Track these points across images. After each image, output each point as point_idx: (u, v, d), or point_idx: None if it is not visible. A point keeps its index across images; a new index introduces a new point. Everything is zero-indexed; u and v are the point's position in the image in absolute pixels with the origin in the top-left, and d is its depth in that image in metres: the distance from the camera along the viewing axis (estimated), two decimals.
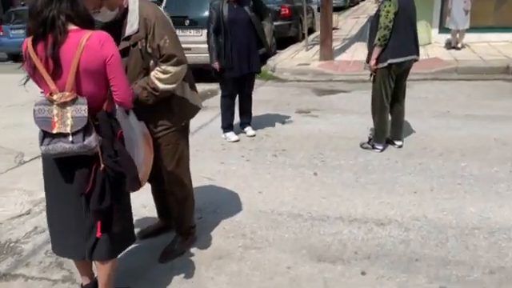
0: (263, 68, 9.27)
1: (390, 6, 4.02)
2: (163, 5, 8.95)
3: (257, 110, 6.08)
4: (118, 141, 2.11)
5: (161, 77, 2.42)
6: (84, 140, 1.97)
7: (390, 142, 4.58)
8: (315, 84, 7.99)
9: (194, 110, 2.74)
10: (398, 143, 4.53)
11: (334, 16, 15.17)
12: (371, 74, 4.29)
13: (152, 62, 2.45)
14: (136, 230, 3.19)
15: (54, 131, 1.94)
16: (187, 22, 8.12)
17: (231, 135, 5.03)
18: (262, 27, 4.97)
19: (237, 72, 4.83)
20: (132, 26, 2.40)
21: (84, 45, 1.93)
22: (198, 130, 5.47)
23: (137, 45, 2.41)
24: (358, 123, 5.31)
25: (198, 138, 5.21)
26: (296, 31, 12.75)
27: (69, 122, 1.95)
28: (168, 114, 2.58)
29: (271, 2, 13.10)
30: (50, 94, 1.96)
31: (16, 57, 13.05)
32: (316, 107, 6.31)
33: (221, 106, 5.13)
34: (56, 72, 1.96)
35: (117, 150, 2.07)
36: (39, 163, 2.29)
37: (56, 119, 1.95)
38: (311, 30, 14.00)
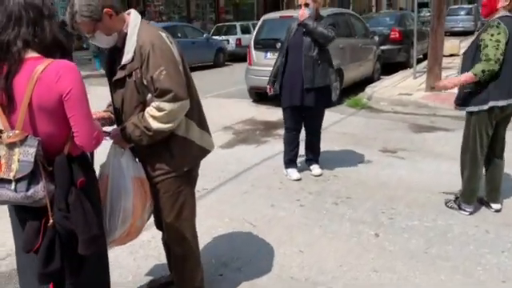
0: (359, 95, 8.72)
1: (499, 33, 3.17)
2: (256, 29, 8.78)
3: (334, 144, 5.49)
4: (78, 190, 1.75)
5: (155, 114, 2.03)
6: (28, 190, 1.65)
7: (484, 203, 3.63)
8: (414, 118, 7.04)
9: (202, 152, 2.30)
10: (495, 206, 3.56)
11: (455, 41, 13.74)
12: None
13: (150, 95, 2.08)
14: (147, 279, 2.86)
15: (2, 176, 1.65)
16: (278, 45, 7.77)
17: (292, 172, 4.49)
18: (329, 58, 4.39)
19: (286, 101, 4.36)
20: (128, 53, 2.06)
21: (37, 77, 1.62)
22: (262, 162, 5.03)
23: (132, 75, 2.06)
24: (449, 173, 4.38)
25: (258, 171, 4.77)
26: (406, 56, 11.69)
27: (14, 166, 1.64)
28: (167, 157, 2.18)
29: (382, 24, 12.29)
30: (1, 132, 1.67)
31: None
32: (405, 147, 5.45)
33: (283, 139, 4.63)
34: (9, 107, 1.67)
35: (70, 203, 1.71)
36: None
37: (3, 161, 1.65)
38: (426, 56, 12.76)
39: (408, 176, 4.46)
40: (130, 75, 2.06)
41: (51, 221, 1.71)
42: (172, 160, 2.18)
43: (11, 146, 1.64)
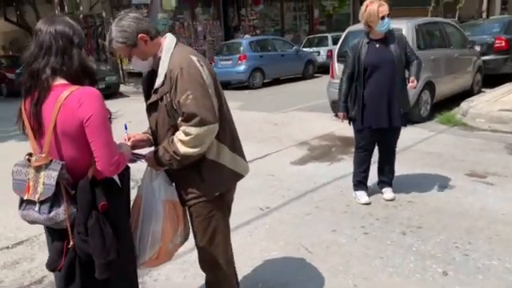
0: (454, 110, 8.00)
1: None
2: (340, 40, 8.50)
3: (415, 165, 5.10)
4: (99, 214, 1.77)
5: (182, 139, 2.01)
6: (50, 212, 1.71)
7: None
8: None
9: (234, 177, 2.23)
10: None
11: None
12: None
13: (180, 119, 2.06)
14: None
15: (25, 197, 1.73)
16: None
17: (361, 195, 4.21)
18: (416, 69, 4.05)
19: (369, 123, 4.03)
20: (159, 77, 2.07)
21: (61, 103, 1.68)
22: (332, 182, 4.81)
23: (163, 99, 2.07)
24: None
25: (326, 191, 4.56)
26: None
27: (39, 188, 1.71)
28: (197, 181, 2.14)
29: (487, 32, 11.25)
30: (30, 155, 1.76)
31: (223, 85, 14.51)
32: (497, 171, 4.84)
33: (354, 158, 4.36)
34: (38, 131, 1.75)
35: (89, 227, 1.73)
36: None
37: (31, 184, 1.73)
38: None
39: (494, 205, 3.94)
40: (161, 99, 2.07)
41: (71, 243, 1.75)
42: (202, 184, 2.14)
43: (38, 169, 1.72)
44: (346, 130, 7.27)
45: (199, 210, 2.19)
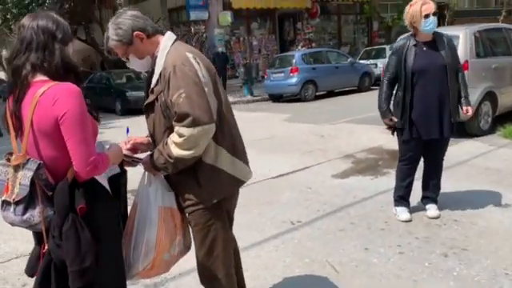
0: None
1: None
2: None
3: (468, 180, 4.70)
4: (78, 218, 1.66)
5: (176, 140, 1.87)
6: (24, 214, 1.63)
7: None
8: None
9: (234, 183, 2.05)
10: None
11: None
12: None
13: None
14: None
15: (3, 198, 1.66)
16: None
17: (402, 212, 3.85)
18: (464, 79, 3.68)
19: (423, 134, 3.66)
20: (155, 77, 1.96)
21: (37, 100, 1.61)
22: (372, 197, 4.48)
23: (158, 99, 1.95)
24: None
25: (364, 207, 4.24)
26: None
27: (16, 189, 1.64)
28: (194, 187, 1.99)
29: None
30: (10, 154, 1.70)
31: (276, 97, 14.44)
32: None
33: (396, 172, 4.01)
34: (18, 129, 1.69)
35: (63, 231, 1.63)
36: None
37: (9, 183, 1.67)
38: None
39: None
40: (157, 99, 1.95)
41: (46, 247, 1.65)
42: (199, 190, 1.98)
43: (16, 169, 1.65)
44: (395, 142, 6.87)
45: (197, 219, 2.04)
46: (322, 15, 21.35)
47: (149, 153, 2.11)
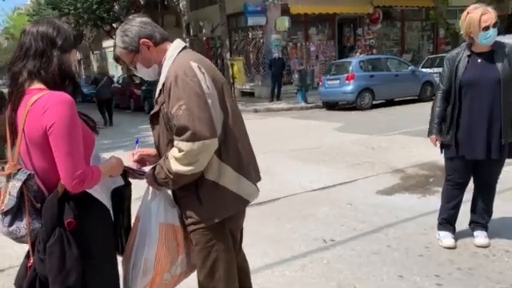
0: None
1: None
2: None
3: None
4: (65, 233, 1.60)
5: (175, 155, 1.77)
6: (11, 225, 1.59)
7: None
8: None
9: (238, 203, 1.91)
10: None
11: None
12: None
13: None
14: None
15: None
16: None
17: (445, 237, 3.50)
18: None
19: (467, 153, 3.34)
20: (158, 86, 1.87)
21: (28, 109, 1.56)
22: (416, 218, 4.15)
23: (161, 111, 1.85)
24: None
25: (405, 228, 3.93)
26: None
27: (5, 199, 1.60)
28: (195, 205, 1.87)
29: None
30: (5, 163, 1.67)
31: (331, 105, 14.11)
32: None
33: (442, 192, 3.67)
34: (13, 138, 1.66)
35: (48, 245, 1.57)
36: None
37: (2, 193, 1.64)
38: None
39: None
40: (160, 110, 1.86)
41: (31, 261, 1.60)
42: (201, 208, 1.86)
43: (8, 179, 1.62)
44: None
45: (198, 238, 1.92)
46: (385, 21, 20.64)
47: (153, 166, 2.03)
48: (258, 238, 3.92)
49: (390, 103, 14.05)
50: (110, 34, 25.28)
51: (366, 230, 3.97)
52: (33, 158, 1.62)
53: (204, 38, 21.64)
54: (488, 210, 3.52)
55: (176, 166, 1.77)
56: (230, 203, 1.89)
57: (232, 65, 16.58)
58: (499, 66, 3.21)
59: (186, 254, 2.01)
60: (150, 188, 1.98)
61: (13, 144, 1.66)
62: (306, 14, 17.88)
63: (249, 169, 1.96)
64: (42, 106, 1.55)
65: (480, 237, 3.48)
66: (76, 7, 20.21)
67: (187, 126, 1.72)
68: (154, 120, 1.94)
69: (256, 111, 14.66)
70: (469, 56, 3.30)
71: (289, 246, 3.73)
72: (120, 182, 1.94)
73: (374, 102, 13.57)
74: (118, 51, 1.93)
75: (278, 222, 4.34)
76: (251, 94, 18.50)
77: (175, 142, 1.77)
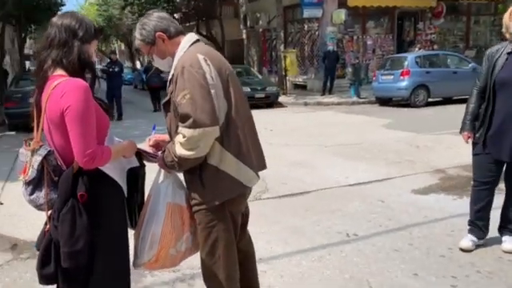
0: None
1: None
2: None
3: None
4: (77, 204, 1.80)
5: (180, 140, 1.93)
6: (32, 194, 1.82)
7: None
8: None
9: (236, 187, 2.03)
10: None
11: None
12: None
13: None
14: None
15: (20, 178, 1.87)
16: None
17: (465, 239, 3.43)
18: None
19: (494, 153, 3.25)
20: (169, 76, 2.02)
21: (49, 92, 1.77)
22: (446, 219, 4.07)
23: (171, 99, 2.01)
24: None
25: (432, 228, 3.88)
26: None
27: (29, 171, 1.83)
28: (198, 187, 2.03)
29: None
30: (31, 140, 1.90)
31: (384, 101, 13.77)
32: None
33: (470, 194, 3.58)
34: (38, 118, 1.88)
35: (61, 214, 1.77)
36: None
37: (28, 166, 1.87)
38: None
39: None
40: (170, 99, 2.02)
41: (48, 227, 1.82)
42: (203, 191, 2.01)
43: (32, 153, 1.84)
44: None
45: (200, 218, 2.07)
46: (449, 15, 19.70)
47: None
48: (282, 228, 4.04)
49: (447, 101, 13.49)
50: None
51: (391, 227, 3.96)
52: (53, 136, 1.83)
53: (260, 30, 21.79)
54: None
55: (180, 150, 1.92)
56: (230, 187, 2.02)
57: (285, 57, 16.60)
58: None
59: (192, 232, 2.16)
60: (162, 170, 2.15)
61: (38, 123, 1.88)
62: (364, 7, 17.47)
63: (249, 156, 2.07)
64: (61, 91, 1.75)
65: (507, 242, 3.37)
66: None
67: (189, 114, 1.86)
68: (166, 108, 2.10)
69: (306, 104, 14.64)
70: (509, 53, 3.19)
71: (311, 237, 3.81)
72: (135, 163, 2.13)
73: (430, 100, 13.10)
74: (137, 43, 2.11)
75: (305, 214, 4.41)
76: (304, 87, 18.45)
77: (179, 129, 1.92)
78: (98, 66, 25.06)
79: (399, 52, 17.78)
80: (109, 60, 13.92)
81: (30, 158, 1.85)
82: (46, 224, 1.90)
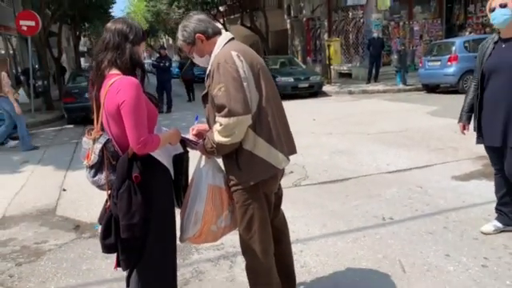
0: None
1: None
2: None
3: None
4: (132, 184, 2.09)
5: (217, 128, 2.18)
6: (95, 176, 2.13)
7: None
8: None
9: (268, 169, 2.25)
10: None
11: None
12: None
13: None
14: None
15: (84, 163, 2.20)
16: None
17: (491, 224, 3.50)
18: None
19: (487, 140, 3.36)
20: (207, 72, 2.27)
21: (107, 90, 2.07)
22: (482, 204, 4.11)
23: (209, 92, 2.27)
24: None
25: (469, 213, 3.95)
26: None
27: (92, 156, 2.15)
28: (235, 170, 2.27)
29: None
30: (92, 130, 2.21)
31: (431, 88, 13.46)
32: None
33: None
34: (98, 111, 2.19)
35: (119, 192, 2.08)
36: None
37: (90, 152, 2.19)
38: None
39: None
40: (208, 91, 2.27)
41: (108, 203, 2.14)
42: (239, 172, 2.25)
43: (94, 141, 2.16)
44: None
45: (238, 197, 2.32)
46: None
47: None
48: (321, 212, 4.23)
49: None
50: (216, 17, 26.54)
51: (427, 211, 4.06)
52: (111, 126, 2.14)
53: (304, 19, 21.75)
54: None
55: (218, 137, 2.17)
56: (263, 169, 2.25)
57: (329, 46, 16.56)
58: None
59: (230, 211, 2.41)
60: (203, 156, 2.42)
61: (97, 116, 2.19)
62: None
63: (280, 141, 2.28)
64: (117, 87, 2.04)
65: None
66: None
67: (224, 104, 2.10)
68: (205, 100, 2.36)
69: (350, 93, 14.58)
70: (495, 42, 3.25)
71: (348, 220, 3.98)
72: (180, 149, 2.41)
73: None
74: (179, 43, 2.37)
75: (345, 199, 4.58)
76: (349, 75, 18.32)
77: (216, 118, 2.17)
78: (148, 61, 26.06)
79: (448, 37, 17.21)
80: (158, 55, 14.55)
81: (92, 146, 2.17)
82: (106, 202, 2.21)
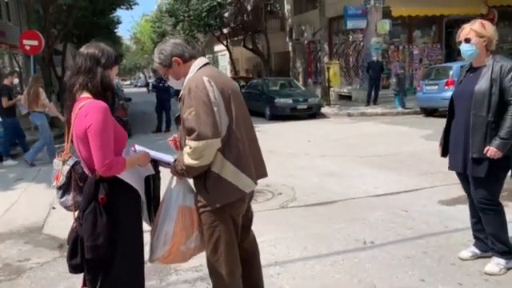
0: None
1: None
2: None
3: None
4: (98, 206, 2.14)
5: (187, 150, 2.26)
6: (62, 197, 2.19)
7: None
8: None
9: (235, 192, 2.31)
10: None
11: None
12: None
13: None
14: None
15: (53, 184, 2.25)
16: None
17: (468, 250, 3.53)
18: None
19: (451, 165, 3.46)
20: (180, 95, 2.35)
21: (76, 113, 2.14)
22: (465, 229, 4.04)
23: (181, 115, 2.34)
24: None
25: (450, 238, 3.96)
26: None
27: (61, 178, 2.21)
28: (203, 191, 2.33)
29: None
30: (62, 152, 2.28)
31: (429, 112, 13.51)
32: None
33: None
34: (68, 133, 2.26)
35: (85, 214, 2.13)
36: None
37: (59, 173, 2.25)
38: None
39: None
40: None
41: (75, 225, 2.18)
42: (207, 194, 2.31)
43: (63, 163, 2.22)
44: None
45: (205, 218, 2.36)
46: (502, 22, 19.00)
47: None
48: (304, 234, 4.25)
49: None
50: (220, 38, 26.95)
51: (409, 236, 4.06)
52: (80, 149, 2.20)
53: (305, 42, 22.04)
54: (492, 234, 3.30)
55: (187, 160, 2.23)
56: (229, 192, 2.30)
57: (328, 68, 16.73)
58: (480, 80, 3.16)
59: (200, 231, 2.45)
60: (174, 177, 2.47)
61: (68, 138, 2.26)
62: (409, 17, 17.28)
63: (248, 165, 2.34)
64: (85, 111, 2.11)
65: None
66: (189, 15, 22.04)
67: (194, 128, 2.18)
68: (178, 122, 2.43)
69: (349, 115, 14.66)
70: (467, 71, 3.35)
71: (329, 243, 3.99)
72: (151, 171, 2.46)
73: None
74: (156, 65, 2.46)
75: (328, 222, 4.59)
76: (349, 98, 18.45)
77: (186, 141, 2.24)
78: (149, 81, 26.26)
79: (448, 61, 17.35)
80: (153, 74, 14.77)
81: (61, 167, 2.23)
82: (74, 222, 2.26)
